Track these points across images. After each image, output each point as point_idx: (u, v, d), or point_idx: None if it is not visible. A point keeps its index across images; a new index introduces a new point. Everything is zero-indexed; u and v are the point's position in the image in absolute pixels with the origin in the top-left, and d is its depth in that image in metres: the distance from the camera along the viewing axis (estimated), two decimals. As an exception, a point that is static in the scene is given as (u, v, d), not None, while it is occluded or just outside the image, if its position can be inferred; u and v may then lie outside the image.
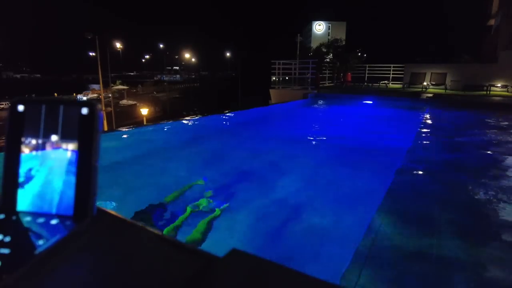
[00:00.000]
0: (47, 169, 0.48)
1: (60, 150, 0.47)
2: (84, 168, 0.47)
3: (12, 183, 0.48)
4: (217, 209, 3.48)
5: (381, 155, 5.79)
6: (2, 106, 32.25)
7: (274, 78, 15.92)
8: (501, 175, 4.61)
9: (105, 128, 17.19)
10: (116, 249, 0.47)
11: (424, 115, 10.14)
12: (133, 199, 3.71)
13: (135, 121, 28.59)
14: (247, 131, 7.90)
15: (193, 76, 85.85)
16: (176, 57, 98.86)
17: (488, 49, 19.00)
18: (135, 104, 38.25)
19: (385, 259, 2.51)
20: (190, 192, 3.98)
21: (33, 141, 0.47)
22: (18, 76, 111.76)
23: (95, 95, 39.76)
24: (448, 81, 14.78)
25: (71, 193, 0.47)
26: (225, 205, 3.60)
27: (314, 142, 7.07)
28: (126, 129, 6.09)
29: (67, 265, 0.41)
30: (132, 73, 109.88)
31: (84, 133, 0.47)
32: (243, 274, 0.42)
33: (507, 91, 13.76)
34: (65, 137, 0.47)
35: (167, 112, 36.63)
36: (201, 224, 3.21)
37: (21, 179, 0.48)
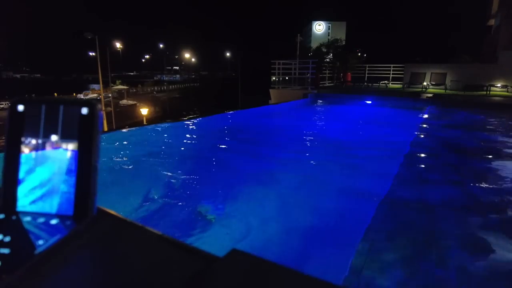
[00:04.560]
0: (47, 169, 0.48)
1: (60, 150, 0.47)
2: (84, 168, 0.47)
3: (12, 183, 0.47)
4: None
5: (380, 156, 5.80)
6: (2, 106, 32.23)
7: (274, 78, 15.91)
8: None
9: (105, 128, 17.18)
10: (116, 249, 0.47)
11: (424, 115, 10.14)
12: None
13: (135, 121, 28.57)
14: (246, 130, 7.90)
15: (193, 76, 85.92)
16: (176, 57, 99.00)
17: (488, 49, 18.99)
18: (135, 104, 38.24)
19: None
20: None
21: (33, 141, 0.47)
22: (18, 76, 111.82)
23: (95, 95, 39.71)
24: (448, 81, 14.78)
25: (71, 193, 0.47)
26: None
27: (312, 142, 7.07)
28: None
29: (67, 265, 0.41)
30: (132, 73, 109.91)
31: (84, 133, 0.47)
32: (243, 274, 0.42)
33: (507, 91, 13.75)
34: (65, 137, 0.47)
35: (167, 112, 36.62)
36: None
37: (21, 179, 0.48)
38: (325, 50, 20.22)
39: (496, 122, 9.05)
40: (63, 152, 0.47)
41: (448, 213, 3.43)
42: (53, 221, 0.46)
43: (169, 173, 4.62)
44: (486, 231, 3.02)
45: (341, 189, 4.17)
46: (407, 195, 3.83)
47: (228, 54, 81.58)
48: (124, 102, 40.84)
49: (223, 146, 6.40)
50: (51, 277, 0.39)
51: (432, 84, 15.18)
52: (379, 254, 2.57)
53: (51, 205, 0.47)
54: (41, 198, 0.47)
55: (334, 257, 2.70)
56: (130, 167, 4.79)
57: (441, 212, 3.42)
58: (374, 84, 17.01)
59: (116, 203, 3.37)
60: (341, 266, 2.40)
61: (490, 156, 5.71)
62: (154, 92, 55.38)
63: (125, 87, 46.81)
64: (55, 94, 35.02)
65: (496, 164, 5.26)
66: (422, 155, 5.75)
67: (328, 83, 18.49)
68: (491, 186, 4.18)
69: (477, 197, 3.84)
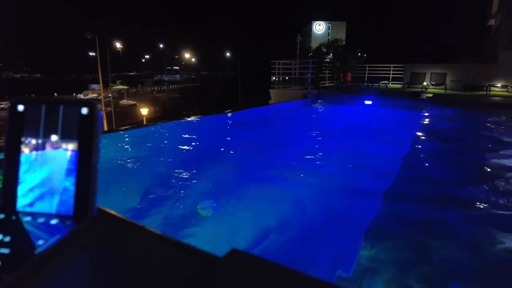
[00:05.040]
0: (47, 169, 0.48)
1: (60, 150, 0.47)
2: (84, 168, 0.47)
3: (12, 183, 0.47)
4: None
5: (380, 155, 5.80)
6: (2, 106, 32.22)
7: (274, 78, 15.90)
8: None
9: (105, 128, 17.17)
10: (116, 249, 0.47)
11: (425, 115, 10.15)
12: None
13: (135, 121, 28.57)
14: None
15: (193, 76, 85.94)
16: (176, 57, 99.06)
17: (488, 49, 18.98)
18: (135, 104, 38.27)
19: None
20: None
21: (33, 141, 0.47)
22: (18, 76, 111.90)
23: (95, 95, 39.71)
24: (448, 81, 14.77)
25: (71, 193, 0.47)
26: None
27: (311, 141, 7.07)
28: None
29: (67, 265, 0.41)
30: (132, 73, 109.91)
31: (84, 133, 0.47)
32: (243, 274, 0.42)
33: (507, 91, 13.75)
34: (65, 137, 0.47)
35: (167, 112, 36.61)
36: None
37: (21, 179, 0.48)
38: (325, 50, 20.20)
39: (496, 122, 9.04)
40: (63, 152, 0.47)
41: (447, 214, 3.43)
42: (53, 221, 0.46)
43: (168, 172, 4.62)
44: (489, 235, 3.02)
45: (341, 190, 4.18)
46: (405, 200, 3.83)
47: (228, 54, 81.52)
48: (124, 102, 40.85)
49: (221, 146, 6.39)
50: (51, 277, 0.39)
51: (432, 84, 15.18)
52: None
53: (51, 205, 0.47)
54: (41, 198, 0.47)
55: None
56: (129, 165, 4.79)
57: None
58: (374, 84, 17.00)
59: (115, 201, 3.38)
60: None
61: (491, 158, 5.71)
62: (154, 92, 55.40)
63: (125, 87, 46.80)
64: (55, 94, 35.02)
65: (499, 167, 5.25)
66: (422, 156, 5.75)
67: (328, 83, 18.49)
68: (493, 190, 4.17)
69: (478, 199, 3.84)
